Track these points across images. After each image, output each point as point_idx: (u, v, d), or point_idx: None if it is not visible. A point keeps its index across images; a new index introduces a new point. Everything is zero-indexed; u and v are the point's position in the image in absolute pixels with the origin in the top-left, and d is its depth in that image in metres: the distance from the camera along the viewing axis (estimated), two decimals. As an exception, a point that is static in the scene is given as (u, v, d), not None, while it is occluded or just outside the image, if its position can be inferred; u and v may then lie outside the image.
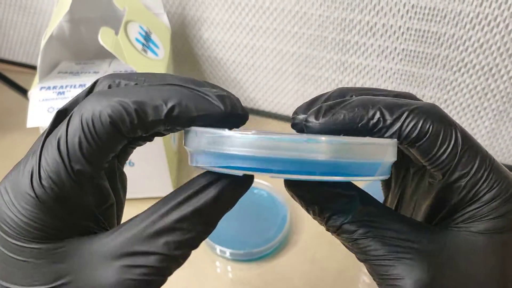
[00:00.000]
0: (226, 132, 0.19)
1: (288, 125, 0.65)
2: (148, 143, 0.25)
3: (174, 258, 0.21)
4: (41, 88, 0.45)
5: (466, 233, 0.22)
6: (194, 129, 0.21)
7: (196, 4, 0.58)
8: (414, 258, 0.21)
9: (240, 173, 0.19)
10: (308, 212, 0.23)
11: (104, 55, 0.51)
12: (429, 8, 0.48)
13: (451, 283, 0.21)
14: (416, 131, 0.21)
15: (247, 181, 0.22)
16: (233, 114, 0.21)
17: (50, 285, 0.20)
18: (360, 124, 0.20)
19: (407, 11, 0.49)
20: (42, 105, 0.44)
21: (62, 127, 0.21)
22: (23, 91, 0.60)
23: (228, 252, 0.47)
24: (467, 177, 0.21)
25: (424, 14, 0.49)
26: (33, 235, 0.20)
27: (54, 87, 0.45)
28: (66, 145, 0.20)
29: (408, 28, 0.50)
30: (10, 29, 0.71)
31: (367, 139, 0.19)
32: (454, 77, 0.53)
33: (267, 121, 0.66)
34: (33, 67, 0.75)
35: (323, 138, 0.18)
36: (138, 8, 0.52)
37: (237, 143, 0.19)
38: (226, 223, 0.49)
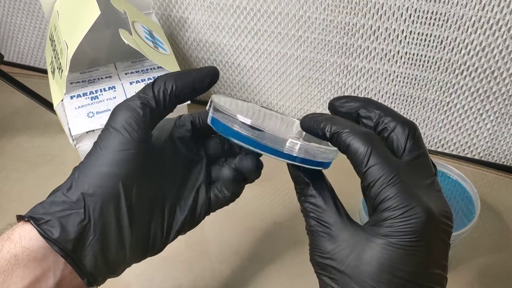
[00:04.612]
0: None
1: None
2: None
3: None
4: (72, 97, 0.45)
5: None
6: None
7: (202, 8, 0.59)
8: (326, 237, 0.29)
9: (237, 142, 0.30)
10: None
11: (98, 61, 0.52)
12: (432, 12, 0.49)
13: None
14: (343, 147, 0.29)
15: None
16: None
17: None
18: (320, 134, 0.30)
19: (410, 15, 0.50)
20: (80, 111, 0.44)
21: None
22: (31, 93, 0.61)
23: None
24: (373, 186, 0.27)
25: (426, 18, 0.49)
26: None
27: (85, 94, 0.45)
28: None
29: (411, 32, 0.51)
30: (19, 33, 0.72)
31: (319, 146, 0.29)
32: (457, 80, 0.53)
33: (271, 124, 0.67)
34: (41, 70, 0.76)
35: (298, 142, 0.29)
36: (132, 10, 0.52)
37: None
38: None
